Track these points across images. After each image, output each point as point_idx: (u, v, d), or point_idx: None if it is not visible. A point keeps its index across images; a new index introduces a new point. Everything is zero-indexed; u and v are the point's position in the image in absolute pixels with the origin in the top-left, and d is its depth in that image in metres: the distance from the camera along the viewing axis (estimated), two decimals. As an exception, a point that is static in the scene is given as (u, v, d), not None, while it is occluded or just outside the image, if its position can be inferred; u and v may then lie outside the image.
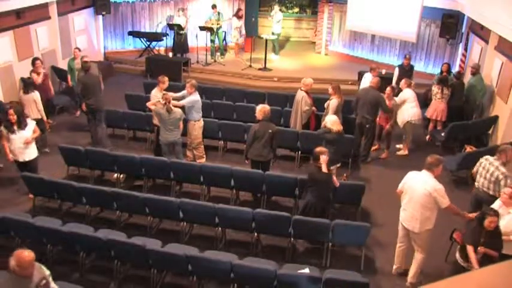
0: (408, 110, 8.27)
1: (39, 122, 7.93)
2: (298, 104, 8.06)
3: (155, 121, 7.61)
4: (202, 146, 8.10)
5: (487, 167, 5.89)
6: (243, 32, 13.18)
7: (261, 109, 6.82)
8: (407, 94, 8.31)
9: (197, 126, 7.83)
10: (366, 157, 8.35)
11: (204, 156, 8.14)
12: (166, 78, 7.91)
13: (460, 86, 9.09)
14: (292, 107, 8.34)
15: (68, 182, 6.49)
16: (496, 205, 5.22)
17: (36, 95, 7.90)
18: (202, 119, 7.93)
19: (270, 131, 6.72)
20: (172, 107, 7.18)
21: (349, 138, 7.84)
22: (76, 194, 6.36)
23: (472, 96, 9.02)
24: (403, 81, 8.48)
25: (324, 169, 5.78)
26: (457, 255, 5.27)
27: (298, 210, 6.16)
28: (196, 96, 7.75)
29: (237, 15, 13.06)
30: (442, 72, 9.89)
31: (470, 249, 4.85)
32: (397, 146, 8.84)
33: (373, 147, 8.52)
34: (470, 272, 4.66)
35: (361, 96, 7.97)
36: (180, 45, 12.89)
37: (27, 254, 3.81)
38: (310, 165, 5.97)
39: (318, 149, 5.92)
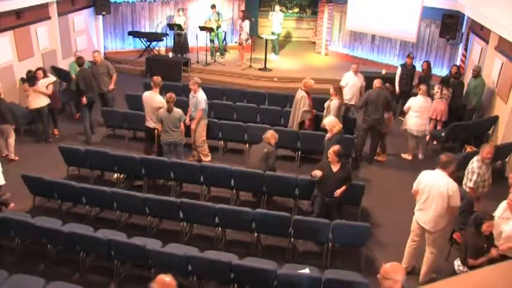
0: (409, 119, 8.28)
1: (42, 111, 8.41)
2: (297, 103, 8.05)
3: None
4: (206, 145, 8.11)
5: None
6: (244, 35, 12.85)
7: (269, 133, 6.90)
8: (413, 103, 8.20)
9: (202, 124, 7.84)
10: (372, 158, 8.35)
11: (209, 154, 8.16)
12: (160, 79, 7.80)
13: (459, 86, 9.09)
14: (292, 106, 8.32)
15: (68, 182, 6.50)
16: (501, 208, 5.20)
17: (41, 84, 8.31)
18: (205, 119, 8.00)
19: (266, 150, 6.74)
20: (173, 107, 7.20)
21: (349, 138, 7.85)
22: (76, 194, 6.36)
23: (470, 98, 9.00)
24: (421, 88, 8.22)
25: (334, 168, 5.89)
26: (459, 265, 5.14)
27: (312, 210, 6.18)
28: (203, 94, 7.77)
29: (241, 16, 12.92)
30: (451, 74, 9.81)
31: (472, 263, 4.82)
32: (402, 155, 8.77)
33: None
34: (469, 272, 4.66)
35: (373, 98, 7.86)
36: (180, 45, 12.90)
37: (169, 281, 3.55)
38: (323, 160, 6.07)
39: (338, 147, 5.97)
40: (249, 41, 12.73)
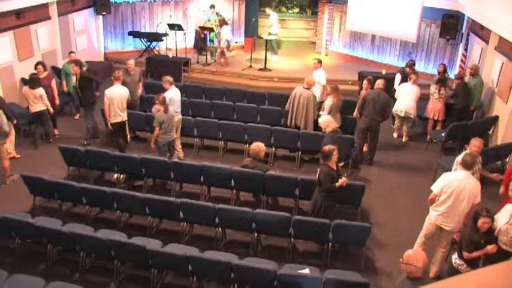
0: (396, 102, 9.01)
1: (43, 113, 8.35)
2: (310, 103, 8.01)
3: (107, 107, 7.70)
4: (179, 141, 8.08)
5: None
6: (222, 43, 12.47)
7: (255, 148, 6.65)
8: (401, 87, 9.03)
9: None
10: (371, 159, 8.33)
11: (181, 151, 8.11)
12: (120, 73, 7.99)
13: (464, 87, 8.93)
14: (296, 105, 8.13)
15: (68, 182, 6.50)
16: (507, 213, 5.11)
17: (42, 90, 8.23)
18: (177, 115, 7.94)
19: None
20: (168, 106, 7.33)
21: (349, 138, 7.85)
22: (76, 194, 6.36)
23: (470, 98, 8.99)
24: (412, 77, 9.03)
25: (335, 167, 5.81)
26: (455, 259, 5.12)
27: (310, 210, 6.03)
28: (170, 91, 7.83)
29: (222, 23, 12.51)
30: (439, 73, 9.92)
31: (467, 256, 4.87)
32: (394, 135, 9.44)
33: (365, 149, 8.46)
34: (470, 272, 4.66)
35: (372, 98, 7.85)
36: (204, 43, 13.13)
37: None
38: (321, 165, 5.92)
39: (328, 147, 5.83)
40: (229, 49, 12.51)
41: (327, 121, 6.96)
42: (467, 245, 4.84)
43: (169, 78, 7.96)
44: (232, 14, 14.18)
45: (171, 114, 7.34)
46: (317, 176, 5.89)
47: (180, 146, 8.16)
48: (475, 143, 5.95)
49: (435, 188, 5.32)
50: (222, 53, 12.58)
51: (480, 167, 6.15)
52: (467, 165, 5.22)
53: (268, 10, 13.24)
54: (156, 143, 7.38)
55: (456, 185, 5.16)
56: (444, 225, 5.34)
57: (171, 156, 7.57)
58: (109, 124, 7.82)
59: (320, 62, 9.21)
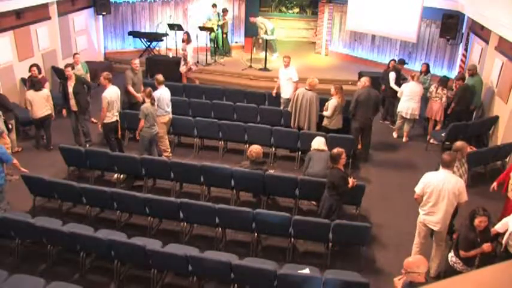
0: (401, 102, 9.00)
1: (47, 118, 8.22)
2: (312, 104, 8.01)
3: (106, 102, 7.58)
4: (167, 141, 8.07)
5: None
6: (190, 63, 11.26)
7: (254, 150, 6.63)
8: (405, 88, 8.94)
9: (160, 121, 7.78)
10: (366, 156, 8.34)
11: (168, 150, 8.10)
12: (110, 74, 7.95)
13: (464, 90, 8.79)
14: (299, 106, 8.12)
15: (68, 182, 6.50)
16: None
17: (47, 91, 8.17)
18: (167, 115, 7.96)
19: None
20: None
21: (349, 138, 7.85)
22: (76, 194, 6.36)
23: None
24: (415, 75, 9.08)
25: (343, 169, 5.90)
26: (451, 256, 5.10)
27: (324, 215, 5.93)
28: (158, 91, 7.83)
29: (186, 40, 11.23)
30: (421, 72, 10.04)
31: (464, 254, 4.87)
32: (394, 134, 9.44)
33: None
34: (470, 272, 4.66)
35: (364, 98, 7.86)
36: (224, 46, 13.18)
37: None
38: (330, 169, 5.95)
39: (336, 150, 5.86)
40: (195, 67, 11.69)
41: (315, 141, 6.81)
42: (464, 243, 4.84)
43: (159, 77, 7.96)
44: (232, 14, 14.18)
45: (155, 109, 7.46)
46: (328, 180, 5.88)
47: (168, 145, 8.15)
48: (457, 146, 5.92)
49: (417, 188, 5.35)
50: (189, 70, 11.51)
51: (467, 168, 6.14)
52: (445, 164, 5.22)
53: (260, 18, 13.09)
54: (141, 138, 7.44)
55: (435, 184, 5.17)
56: (431, 225, 5.34)
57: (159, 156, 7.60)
58: (99, 125, 7.79)
59: (290, 58, 9.18)
